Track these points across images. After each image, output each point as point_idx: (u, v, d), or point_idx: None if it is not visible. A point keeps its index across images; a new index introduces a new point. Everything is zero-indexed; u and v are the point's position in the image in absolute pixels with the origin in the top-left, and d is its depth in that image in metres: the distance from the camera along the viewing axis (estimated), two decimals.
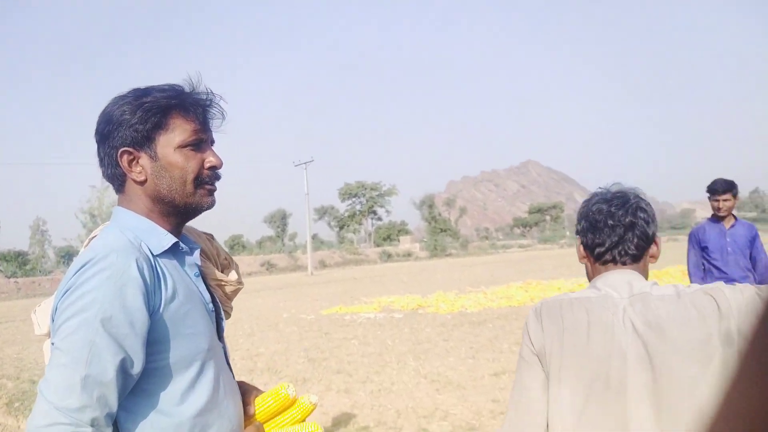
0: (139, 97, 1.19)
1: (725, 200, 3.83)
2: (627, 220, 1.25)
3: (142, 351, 1.08)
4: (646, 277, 1.28)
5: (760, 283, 3.91)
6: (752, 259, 3.90)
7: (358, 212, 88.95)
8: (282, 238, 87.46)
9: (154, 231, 1.20)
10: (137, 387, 1.11)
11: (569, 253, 47.35)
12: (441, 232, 72.37)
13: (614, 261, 1.28)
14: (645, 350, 1.12)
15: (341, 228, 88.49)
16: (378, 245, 76.92)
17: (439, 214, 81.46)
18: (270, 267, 49.93)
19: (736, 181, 3.76)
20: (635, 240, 1.26)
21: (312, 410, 1.40)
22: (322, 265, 52.12)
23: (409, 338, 8.74)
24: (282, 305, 16.20)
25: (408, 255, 63.87)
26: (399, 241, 77.24)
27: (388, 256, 61.22)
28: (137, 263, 1.09)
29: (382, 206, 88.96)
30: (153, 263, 1.14)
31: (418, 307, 12.93)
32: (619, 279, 1.24)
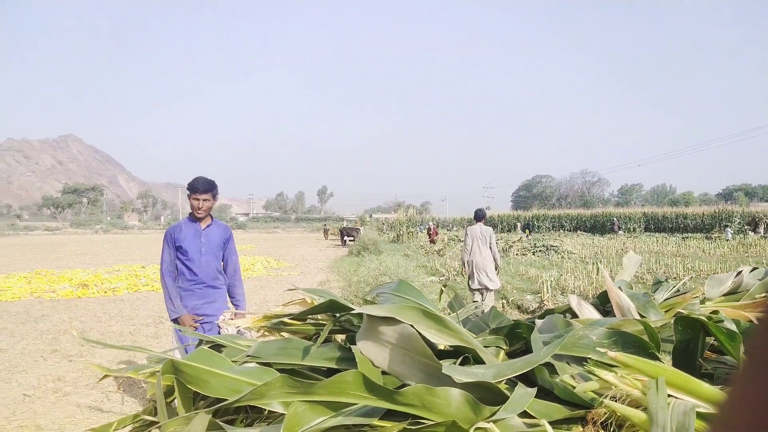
0: None
1: (205, 200, 3.74)
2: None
3: None
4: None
5: (229, 286, 4.05)
6: (224, 260, 4.01)
7: None
8: None
9: None
10: None
11: (103, 239, 44.38)
12: None
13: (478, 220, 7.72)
14: (481, 236, 7.47)
15: None
16: None
17: None
18: None
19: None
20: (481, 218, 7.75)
21: None
22: None
23: None
24: None
25: None
26: None
27: None
28: None
29: None
30: None
31: None
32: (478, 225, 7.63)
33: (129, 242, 38.35)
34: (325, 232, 46.97)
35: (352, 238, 30.58)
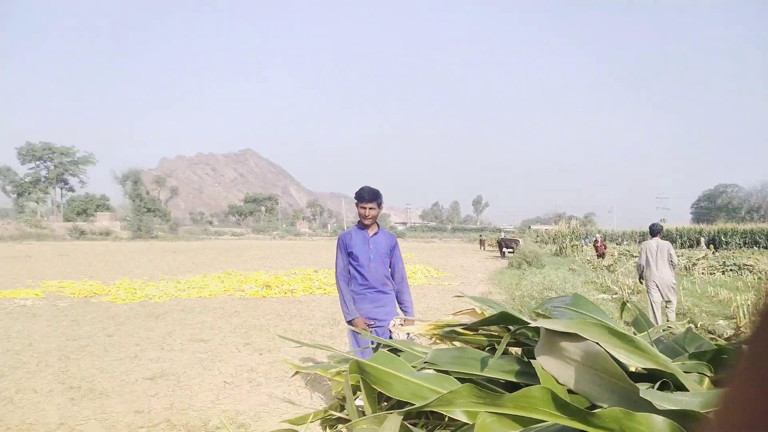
0: None
1: (371, 208, 3.96)
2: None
3: None
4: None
5: (397, 292, 4.21)
6: (391, 267, 4.18)
7: (43, 179, 76.49)
8: None
9: None
10: None
11: (279, 245, 48.77)
12: (148, 212, 66.68)
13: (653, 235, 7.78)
14: (658, 251, 7.50)
15: (20, 195, 74.67)
16: (69, 220, 67.28)
17: (147, 193, 75.01)
18: None
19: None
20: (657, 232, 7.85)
21: None
22: None
23: (65, 332, 7.44)
24: None
25: (106, 234, 57.24)
26: (96, 217, 68.80)
27: (81, 233, 53.91)
28: None
29: (74, 175, 78.41)
30: None
31: (93, 295, 11.34)
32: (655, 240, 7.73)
33: (302, 248, 41.66)
34: (482, 242, 46.53)
35: (511, 250, 29.76)
